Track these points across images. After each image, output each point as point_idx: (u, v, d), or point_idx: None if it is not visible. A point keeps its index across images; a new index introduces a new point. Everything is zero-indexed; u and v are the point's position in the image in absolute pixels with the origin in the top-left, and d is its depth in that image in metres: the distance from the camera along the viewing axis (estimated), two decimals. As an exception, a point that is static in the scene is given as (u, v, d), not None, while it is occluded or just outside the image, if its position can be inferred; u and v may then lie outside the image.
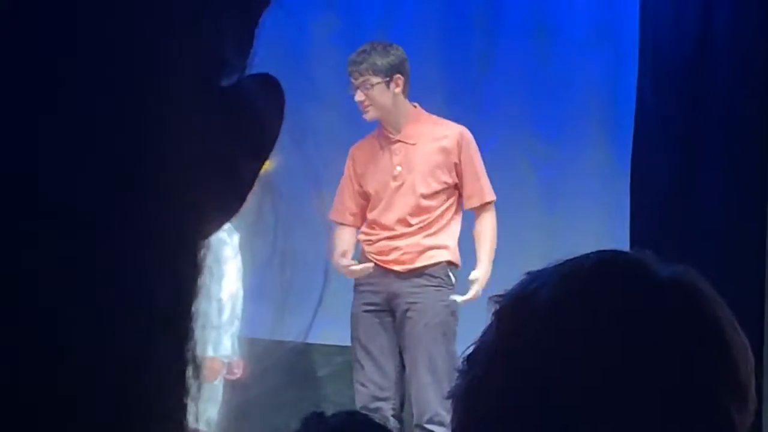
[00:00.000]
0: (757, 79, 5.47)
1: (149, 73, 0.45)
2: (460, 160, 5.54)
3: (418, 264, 5.54)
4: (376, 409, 5.51)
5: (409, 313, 5.51)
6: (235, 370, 5.40)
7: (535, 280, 1.23)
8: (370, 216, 5.65)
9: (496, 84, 6.66)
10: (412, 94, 5.66)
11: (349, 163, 5.71)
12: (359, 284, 5.62)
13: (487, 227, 5.54)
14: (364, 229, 5.68)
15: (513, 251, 5.51)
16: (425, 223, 5.56)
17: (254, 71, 0.51)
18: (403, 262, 5.56)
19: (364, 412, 5.36)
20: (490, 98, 6.57)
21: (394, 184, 5.58)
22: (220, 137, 0.49)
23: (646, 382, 1.16)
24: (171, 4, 0.47)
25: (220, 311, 5.25)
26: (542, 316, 1.20)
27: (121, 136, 0.44)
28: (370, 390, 5.57)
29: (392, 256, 5.58)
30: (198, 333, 0.48)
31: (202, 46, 0.48)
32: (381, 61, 5.52)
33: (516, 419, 1.17)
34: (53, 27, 0.44)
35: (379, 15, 6.73)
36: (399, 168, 5.57)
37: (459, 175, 5.54)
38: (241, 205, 0.50)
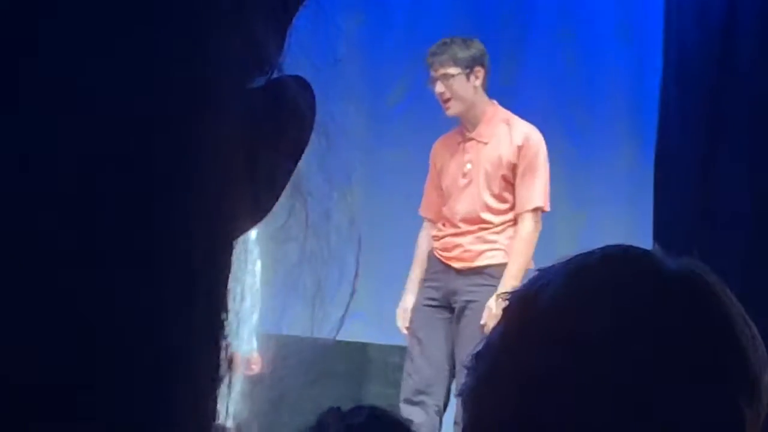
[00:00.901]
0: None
1: (191, 70, 0.45)
2: (518, 162, 5.48)
3: (478, 263, 5.50)
4: (419, 403, 5.46)
5: (465, 311, 5.48)
6: (253, 366, 5.39)
7: (541, 278, 1.22)
8: (442, 212, 5.63)
9: (522, 83, 6.65)
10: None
11: (431, 157, 5.70)
12: (424, 279, 5.62)
13: (519, 238, 5.44)
14: (437, 224, 5.66)
15: (538, 249, 5.49)
16: (489, 222, 5.52)
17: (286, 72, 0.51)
18: (463, 260, 5.53)
19: (406, 403, 5.35)
20: (517, 98, 6.56)
21: (462, 182, 5.54)
22: (260, 136, 0.49)
23: (652, 378, 1.15)
24: (213, 1, 0.47)
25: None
26: (547, 314, 1.19)
27: (162, 133, 0.44)
28: (416, 382, 5.52)
29: (454, 253, 5.55)
30: (231, 330, 0.48)
31: (244, 44, 0.48)
32: (462, 53, 5.46)
33: (521, 416, 1.17)
34: (94, 24, 0.44)
35: (405, 14, 6.71)
36: (469, 166, 5.54)
37: (515, 177, 5.49)
38: (273, 204, 0.50)
